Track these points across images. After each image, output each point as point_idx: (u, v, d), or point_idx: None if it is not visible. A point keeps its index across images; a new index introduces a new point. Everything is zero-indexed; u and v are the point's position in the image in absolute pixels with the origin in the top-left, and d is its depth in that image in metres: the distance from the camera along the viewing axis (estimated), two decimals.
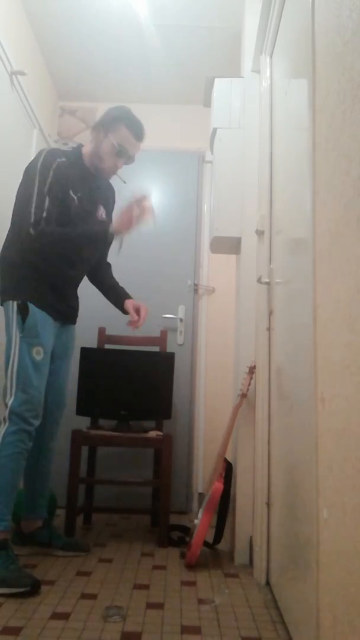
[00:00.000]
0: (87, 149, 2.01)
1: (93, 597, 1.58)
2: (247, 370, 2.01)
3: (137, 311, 2.12)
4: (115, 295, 2.20)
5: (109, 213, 2.17)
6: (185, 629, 1.38)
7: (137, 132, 1.97)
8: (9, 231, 1.92)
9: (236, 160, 2.17)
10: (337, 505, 0.93)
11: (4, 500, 1.71)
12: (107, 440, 2.24)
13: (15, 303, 1.83)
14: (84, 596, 1.58)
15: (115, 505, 2.73)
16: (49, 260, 1.88)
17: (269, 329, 1.87)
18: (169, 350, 2.77)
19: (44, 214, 1.78)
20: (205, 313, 3.09)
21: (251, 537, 1.92)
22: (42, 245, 1.80)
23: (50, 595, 1.57)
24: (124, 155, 1.97)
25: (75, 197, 1.92)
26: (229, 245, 2.23)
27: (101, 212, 2.09)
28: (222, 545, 2.15)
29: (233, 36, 2.72)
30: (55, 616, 1.43)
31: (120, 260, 3.07)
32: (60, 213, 1.86)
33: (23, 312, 1.81)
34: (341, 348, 0.93)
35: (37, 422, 1.81)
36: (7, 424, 1.75)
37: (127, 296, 2.19)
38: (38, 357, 1.81)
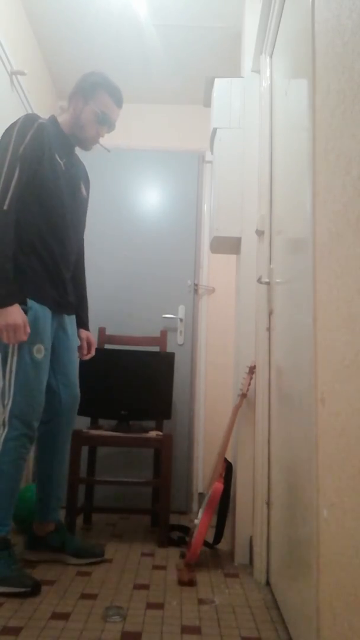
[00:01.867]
0: (64, 118, 1.90)
1: (93, 597, 1.58)
2: (247, 370, 2.01)
3: (88, 345, 2.08)
4: (78, 311, 2.07)
5: (87, 194, 2.06)
6: (185, 629, 1.38)
7: (118, 98, 1.91)
8: None
9: (236, 160, 2.17)
10: (337, 505, 0.93)
11: (5, 506, 1.68)
12: (107, 440, 2.24)
13: None
14: (84, 596, 1.58)
15: (115, 505, 2.73)
16: (34, 239, 1.76)
17: (269, 329, 1.87)
18: (169, 350, 2.77)
19: (13, 184, 1.66)
20: (205, 313, 3.09)
21: (251, 537, 1.92)
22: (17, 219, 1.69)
23: (50, 595, 1.57)
24: (106, 122, 1.88)
25: (61, 163, 1.83)
26: (229, 245, 2.23)
27: (83, 189, 1.99)
28: (222, 545, 2.15)
29: (233, 36, 2.72)
30: (55, 616, 1.43)
31: (120, 260, 3.08)
32: (50, 178, 1.76)
33: (23, 308, 1.71)
34: (341, 348, 0.93)
35: (37, 424, 1.76)
36: (6, 428, 1.68)
37: (86, 325, 2.10)
38: (39, 356, 1.73)
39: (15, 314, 1.63)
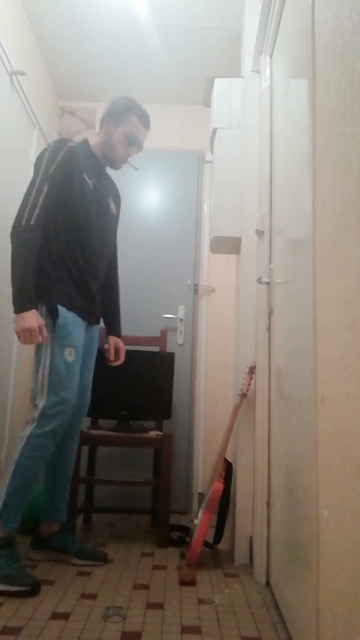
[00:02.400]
0: (95, 141, 2.03)
1: (93, 597, 1.58)
2: (247, 370, 2.01)
3: (117, 350, 2.15)
4: (110, 318, 2.17)
5: (118, 210, 2.16)
6: (185, 629, 1.38)
7: (146, 121, 2.03)
8: None
9: (236, 160, 2.17)
10: (337, 505, 0.93)
11: (15, 502, 1.70)
12: (107, 440, 2.24)
13: (44, 305, 1.79)
14: (84, 596, 1.58)
15: (115, 505, 2.73)
16: (62, 252, 1.85)
17: (269, 329, 1.87)
18: (169, 350, 2.77)
19: (40, 200, 1.77)
20: (205, 313, 3.09)
21: (251, 537, 1.92)
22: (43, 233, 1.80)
23: (50, 595, 1.57)
24: (135, 143, 2.00)
25: (90, 182, 1.93)
26: (229, 245, 2.23)
27: (112, 206, 2.08)
28: (222, 545, 2.15)
29: (233, 36, 2.72)
30: (55, 616, 1.43)
31: (121, 260, 3.08)
32: (78, 196, 1.86)
33: (53, 314, 1.79)
34: (341, 348, 0.93)
35: (65, 425, 1.80)
36: (34, 424, 1.73)
37: (117, 331, 2.18)
38: (70, 358, 1.79)
39: (31, 318, 1.70)
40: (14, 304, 1.73)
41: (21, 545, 2.01)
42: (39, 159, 1.86)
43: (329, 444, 1.00)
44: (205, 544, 2.06)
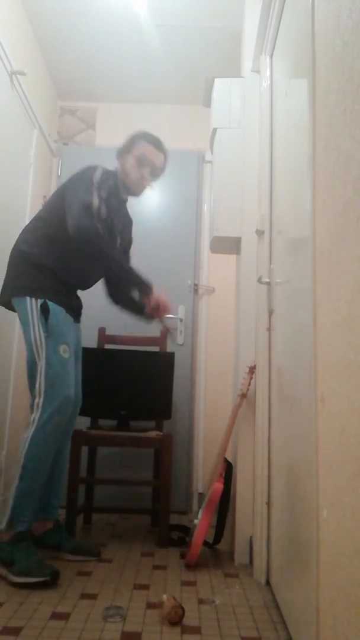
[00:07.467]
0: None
1: (93, 597, 1.58)
2: (247, 370, 2.01)
3: (157, 305, 2.04)
4: (135, 303, 2.17)
5: (121, 240, 2.17)
6: (185, 629, 1.38)
7: (157, 143, 2.07)
8: (34, 230, 1.94)
9: (236, 160, 2.17)
10: (337, 505, 0.93)
11: (24, 504, 1.73)
12: (107, 440, 2.24)
13: (35, 301, 1.83)
14: (84, 596, 1.58)
15: (115, 505, 2.73)
16: (78, 258, 1.92)
17: (269, 329, 1.87)
18: (169, 350, 2.77)
19: (102, 213, 1.88)
20: (205, 313, 3.09)
21: (251, 537, 1.92)
22: (90, 240, 1.85)
23: (50, 595, 1.57)
24: (146, 163, 2.05)
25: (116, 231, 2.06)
26: (229, 245, 2.23)
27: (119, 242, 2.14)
28: (222, 545, 2.15)
29: (233, 36, 2.72)
30: (55, 616, 1.43)
31: None
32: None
33: (45, 311, 1.82)
34: (341, 348, 0.93)
35: (65, 420, 1.83)
36: (35, 425, 1.75)
37: (147, 291, 2.05)
38: (65, 355, 1.83)
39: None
40: (138, 283, 1.99)
41: None
42: (86, 176, 1.93)
43: (329, 444, 1.00)
44: (205, 544, 2.06)
